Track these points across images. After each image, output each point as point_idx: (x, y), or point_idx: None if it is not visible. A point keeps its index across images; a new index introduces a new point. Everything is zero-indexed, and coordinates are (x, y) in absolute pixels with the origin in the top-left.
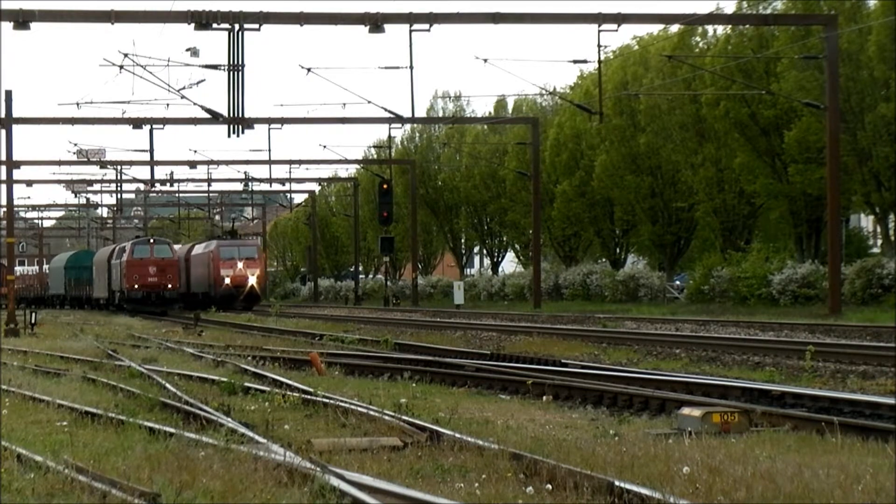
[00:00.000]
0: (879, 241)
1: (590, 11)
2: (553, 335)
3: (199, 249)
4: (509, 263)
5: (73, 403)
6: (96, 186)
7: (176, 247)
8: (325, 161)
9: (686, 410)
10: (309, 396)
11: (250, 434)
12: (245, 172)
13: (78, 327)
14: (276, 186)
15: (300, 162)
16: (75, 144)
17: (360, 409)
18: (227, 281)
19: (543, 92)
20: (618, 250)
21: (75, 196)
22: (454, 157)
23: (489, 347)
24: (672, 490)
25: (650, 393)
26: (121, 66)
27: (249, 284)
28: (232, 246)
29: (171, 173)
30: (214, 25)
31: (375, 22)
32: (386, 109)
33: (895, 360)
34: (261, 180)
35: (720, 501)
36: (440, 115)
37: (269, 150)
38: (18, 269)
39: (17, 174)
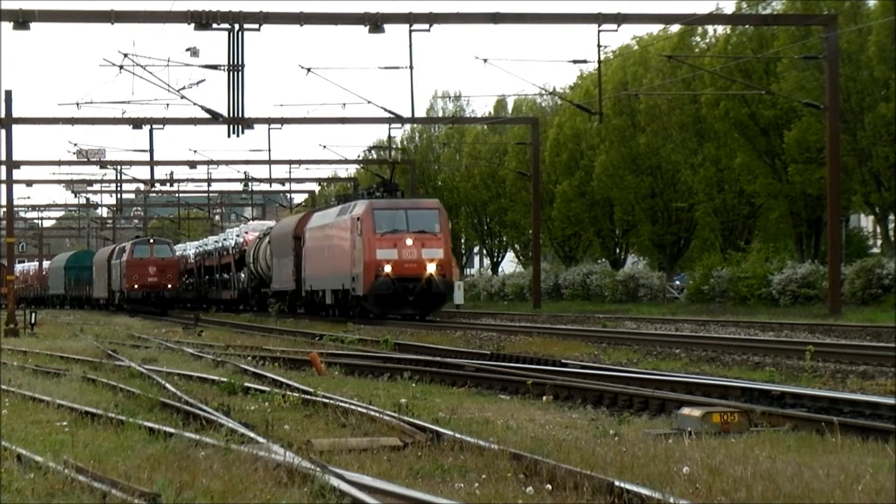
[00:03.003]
0: (879, 241)
1: (590, 11)
2: (553, 335)
3: (326, 217)
4: (509, 263)
5: (73, 403)
6: (96, 186)
7: (263, 225)
8: (325, 161)
9: (686, 410)
10: (309, 396)
11: (250, 434)
12: (245, 172)
13: (78, 327)
14: (276, 186)
15: (300, 162)
16: (75, 144)
17: (360, 409)
18: (387, 269)
19: (543, 92)
20: (618, 250)
21: (75, 196)
22: (454, 157)
23: (489, 347)
24: (672, 490)
25: (650, 393)
26: (121, 66)
27: (427, 275)
28: (394, 209)
29: (171, 173)
30: (214, 25)
31: (375, 22)
32: (386, 109)
33: (895, 360)
34: (261, 180)
35: (720, 501)
36: (440, 115)
37: (269, 150)
38: (18, 267)
39: (17, 174)
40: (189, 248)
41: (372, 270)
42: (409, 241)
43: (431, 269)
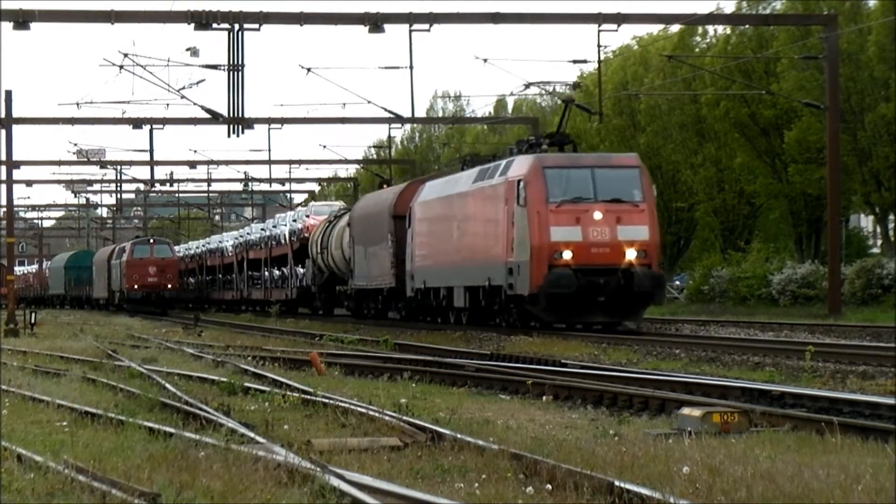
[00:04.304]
0: (879, 241)
1: (590, 11)
2: (553, 335)
3: (451, 185)
4: None
5: (73, 403)
6: (96, 186)
7: (331, 206)
8: (325, 161)
9: (686, 410)
10: (309, 396)
11: (250, 434)
12: (245, 172)
13: (78, 327)
14: (276, 186)
15: (300, 162)
16: (75, 144)
17: (360, 409)
18: (567, 256)
19: (543, 92)
20: None
21: (75, 196)
22: (454, 157)
23: (489, 347)
24: (672, 490)
25: (650, 393)
26: (121, 66)
27: (626, 264)
28: (575, 167)
29: (171, 173)
30: (214, 25)
31: (375, 22)
32: (386, 109)
33: (895, 360)
34: (261, 180)
35: (720, 501)
36: (440, 115)
37: (269, 150)
38: (18, 270)
39: (17, 174)
40: (225, 240)
41: (543, 258)
42: (597, 215)
43: (631, 255)
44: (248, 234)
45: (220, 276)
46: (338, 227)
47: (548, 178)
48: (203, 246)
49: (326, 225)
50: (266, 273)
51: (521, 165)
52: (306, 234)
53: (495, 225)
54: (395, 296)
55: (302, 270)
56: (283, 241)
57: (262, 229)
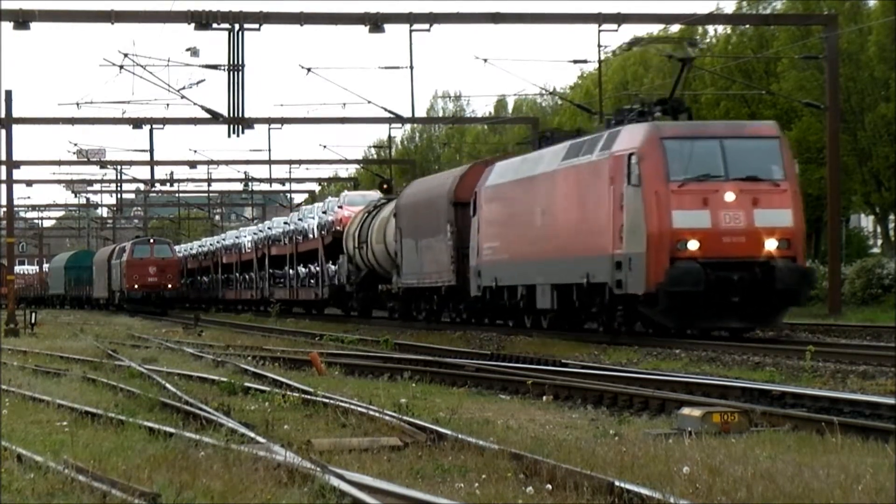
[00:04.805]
0: (879, 241)
1: (590, 11)
2: (553, 335)
3: (531, 164)
4: None
5: (73, 403)
6: (96, 186)
7: (368, 196)
8: (325, 161)
9: (686, 410)
10: (309, 396)
11: (250, 434)
12: (245, 172)
13: (78, 327)
14: (276, 186)
15: (300, 162)
16: (75, 144)
17: (360, 409)
18: (692, 247)
19: (543, 92)
20: None
21: (75, 196)
22: (454, 157)
23: (489, 347)
24: (672, 490)
25: (650, 393)
26: (121, 66)
27: (765, 255)
28: (700, 138)
29: (171, 173)
30: (214, 25)
31: (375, 22)
32: (386, 109)
33: (895, 360)
34: (261, 180)
35: (720, 501)
36: (440, 115)
37: (269, 150)
38: (18, 269)
39: (17, 174)
40: (243, 235)
41: (664, 249)
42: (729, 196)
43: (772, 245)
44: (269, 228)
45: (238, 274)
46: (379, 219)
47: (668, 152)
48: (218, 242)
49: (365, 216)
50: (291, 270)
51: (631, 136)
52: (339, 228)
53: (596, 210)
54: (455, 296)
55: (334, 267)
56: (311, 235)
57: (286, 223)
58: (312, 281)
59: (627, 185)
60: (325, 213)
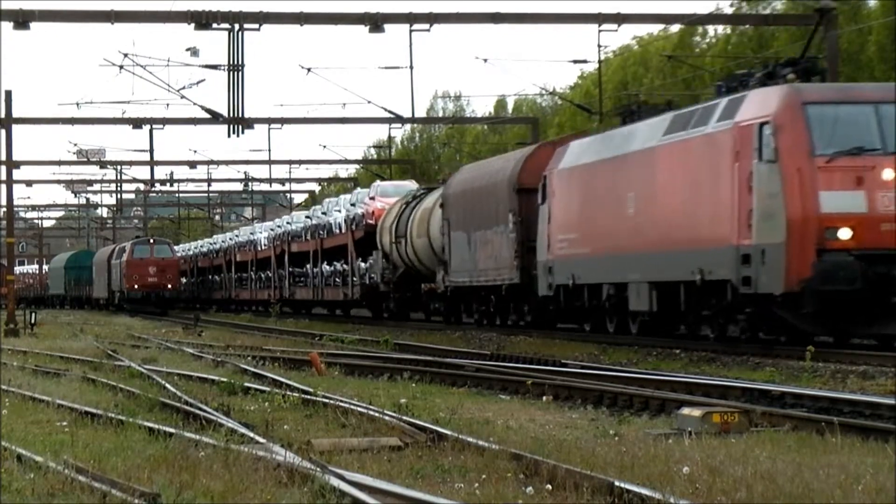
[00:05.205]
0: None
1: (590, 11)
2: (553, 335)
3: (619, 140)
4: None
5: (73, 403)
6: (96, 186)
7: (403, 187)
8: (325, 161)
9: (686, 410)
10: (309, 396)
11: (250, 434)
12: (245, 172)
13: (78, 327)
14: (276, 186)
15: (300, 162)
16: (75, 144)
17: (360, 409)
18: (843, 236)
19: (543, 92)
20: None
21: (75, 196)
22: (454, 157)
23: (489, 347)
24: (672, 490)
25: (650, 393)
26: (121, 66)
27: None
28: (848, 102)
29: (171, 173)
30: (214, 25)
31: (375, 22)
32: (386, 109)
33: (895, 360)
34: (261, 180)
35: (720, 501)
36: (440, 115)
37: (269, 150)
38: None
39: (17, 174)
40: (259, 231)
41: (809, 239)
42: (888, 174)
43: None
44: (288, 223)
45: (253, 272)
46: (421, 210)
47: (811, 120)
48: (231, 239)
49: (402, 207)
50: (315, 268)
51: (763, 102)
52: (371, 221)
53: (713, 192)
54: (518, 296)
55: (365, 265)
56: (338, 229)
57: (308, 217)
58: (338, 280)
59: (759, 161)
60: (353, 205)
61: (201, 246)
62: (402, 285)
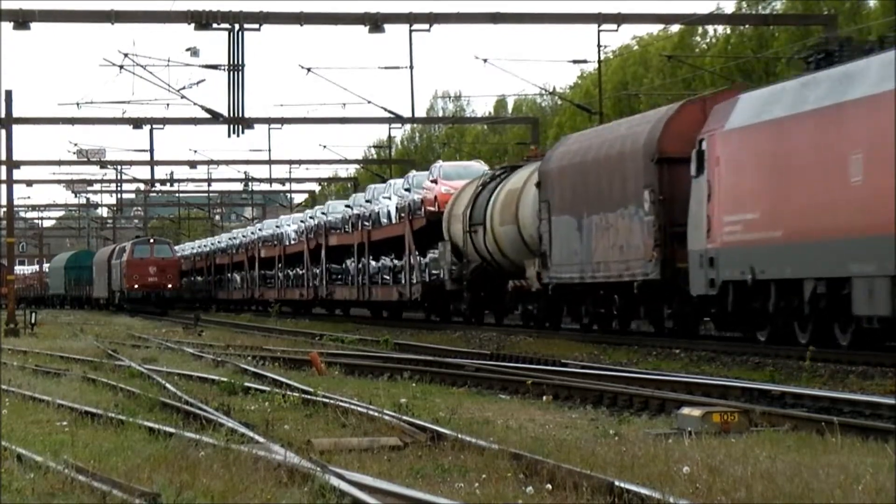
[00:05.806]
0: None
1: (590, 11)
2: (553, 335)
3: (833, 91)
4: None
5: (73, 403)
6: (96, 186)
7: (471, 168)
8: (325, 161)
9: (686, 410)
10: (309, 396)
11: (250, 434)
12: (245, 172)
13: (78, 327)
14: (276, 186)
15: (300, 162)
16: (75, 144)
17: (360, 409)
18: None
19: (543, 92)
20: None
21: (75, 196)
22: (454, 157)
23: (489, 347)
24: (672, 490)
25: (650, 393)
26: (121, 66)
27: None
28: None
29: (171, 173)
30: (214, 25)
31: (375, 22)
32: (386, 109)
33: (895, 361)
34: (261, 180)
35: (720, 501)
36: (440, 115)
37: (269, 150)
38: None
39: (17, 174)
40: (286, 224)
41: None
42: None
43: None
44: (323, 213)
45: (281, 270)
46: (504, 192)
47: None
48: (254, 233)
49: (478, 189)
50: (358, 265)
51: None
52: (433, 208)
53: None
54: (658, 295)
55: (425, 260)
56: (388, 219)
57: (348, 206)
58: (387, 277)
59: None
60: (407, 190)
61: (218, 242)
62: (477, 283)
